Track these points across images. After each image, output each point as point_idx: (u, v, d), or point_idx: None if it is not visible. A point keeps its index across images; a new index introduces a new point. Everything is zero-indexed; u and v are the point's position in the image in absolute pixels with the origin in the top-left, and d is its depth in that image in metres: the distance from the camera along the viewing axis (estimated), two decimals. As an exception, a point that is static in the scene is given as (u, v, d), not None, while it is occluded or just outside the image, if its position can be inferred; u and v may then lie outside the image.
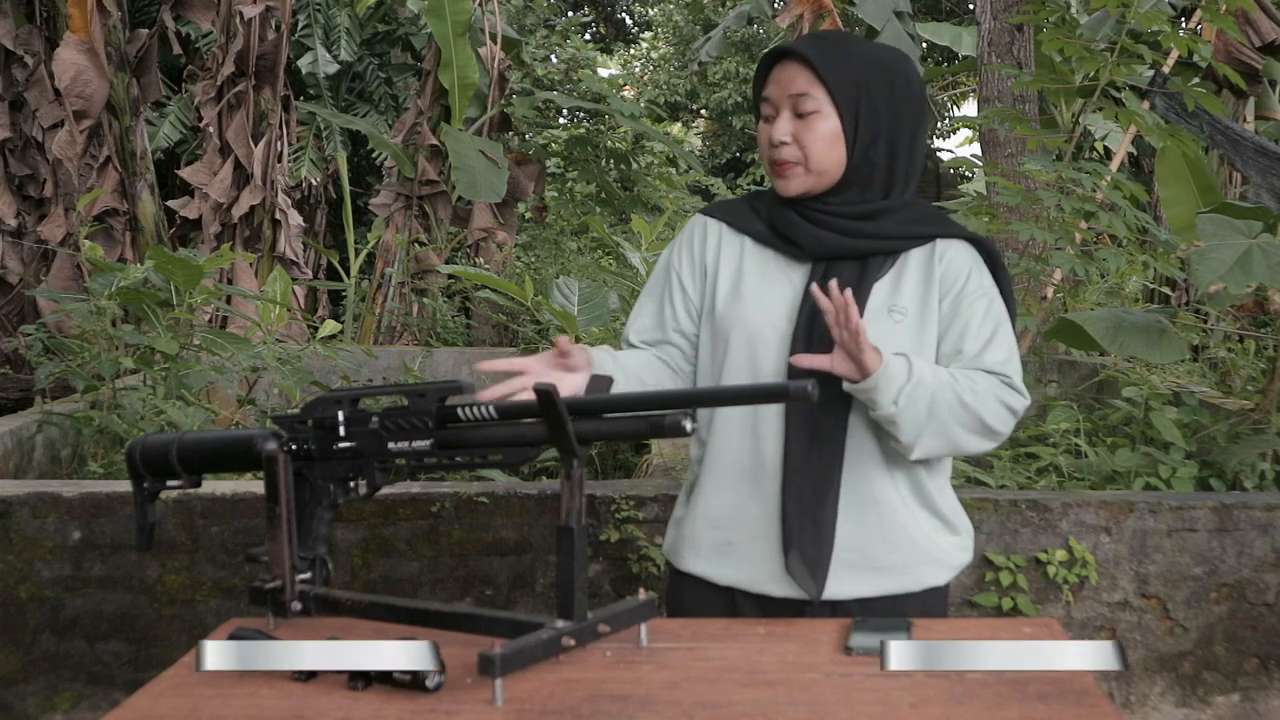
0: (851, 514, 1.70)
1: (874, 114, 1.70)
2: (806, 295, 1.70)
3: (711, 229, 1.83)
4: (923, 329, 1.71)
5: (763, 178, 13.31)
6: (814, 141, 1.70)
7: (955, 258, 1.73)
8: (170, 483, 1.51)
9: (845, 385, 1.63)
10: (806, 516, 1.67)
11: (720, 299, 1.78)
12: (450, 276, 7.88)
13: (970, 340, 1.70)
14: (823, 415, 1.68)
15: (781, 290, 1.74)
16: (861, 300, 1.69)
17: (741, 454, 1.74)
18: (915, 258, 1.73)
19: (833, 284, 1.56)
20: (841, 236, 1.71)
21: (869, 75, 1.71)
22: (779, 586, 1.71)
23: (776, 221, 1.76)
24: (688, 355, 1.84)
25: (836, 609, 1.70)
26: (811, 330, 1.69)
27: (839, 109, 1.69)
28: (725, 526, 1.75)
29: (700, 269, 1.82)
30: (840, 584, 1.69)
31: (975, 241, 1.77)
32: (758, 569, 1.72)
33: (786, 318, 1.71)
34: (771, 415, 1.71)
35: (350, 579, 2.96)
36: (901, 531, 1.72)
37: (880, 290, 1.71)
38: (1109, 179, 4.52)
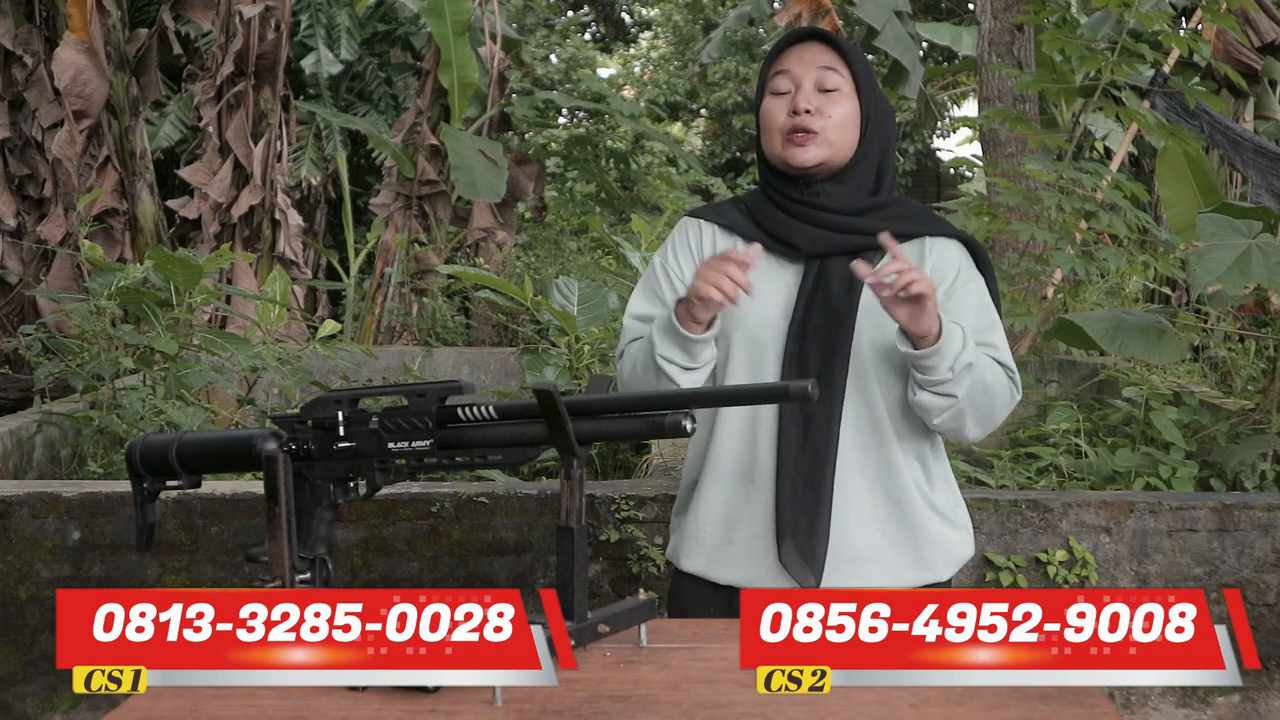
0: (851, 509, 1.70)
1: (879, 111, 1.77)
2: (801, 292, 1.72)
3: (706, 230, 1.83)
4: None
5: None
6: (836, 115, 1.73)
7: (944, 254, 1.77)
8: (170, 483, 1.50)
9: (903, 349, 1.63)
10: (800, 508, 1.68)
11: None
12: (450, 276, 7.88)
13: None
14: (815, 409, 1.69)
15: (777, 289, 1.74)
16: (858, 295, 1.71)
17: (740, 455, 1.75)
18: (905, 253, 1.75)
19: (871, 267, 1.58)
20: (834, 233, 1.73)
21: (874, 77, 1.80)
22: (777, 582, 1.71)
23: (767, 223, 1.76)
24: None
25: None
26: (806, 326, 1.71)
27: (860, 95, 1.75)
28: (724, 525, 1.76)
29: None
30: (841, 580, 1.69)
31: (962, 239, 1.80)
32: (756, 566, 1.73)
33: (782, 315, 1.73)
34: (768, 414, 1.72)
35: (350, 579, 2.96)
36: (903, 525, 1.73)
37: None
38: (1109, 179, 4.52)
